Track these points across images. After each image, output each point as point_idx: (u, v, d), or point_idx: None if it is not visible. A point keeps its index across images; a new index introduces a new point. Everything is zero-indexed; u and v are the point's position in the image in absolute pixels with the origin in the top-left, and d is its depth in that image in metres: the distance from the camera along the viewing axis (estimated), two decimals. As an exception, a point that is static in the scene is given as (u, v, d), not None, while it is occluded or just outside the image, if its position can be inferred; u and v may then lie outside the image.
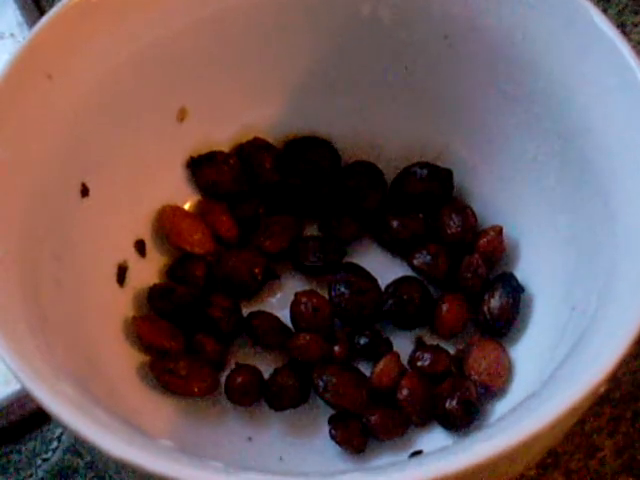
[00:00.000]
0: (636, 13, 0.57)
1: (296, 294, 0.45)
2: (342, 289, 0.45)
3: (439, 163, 0.48)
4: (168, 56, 0.45)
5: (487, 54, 0.44)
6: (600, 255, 0.39)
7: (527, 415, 0.33)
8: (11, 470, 0.46)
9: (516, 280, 0.45)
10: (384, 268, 0.47)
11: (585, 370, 0.34)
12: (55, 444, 0.47)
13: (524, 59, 0.43)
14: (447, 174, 0.48)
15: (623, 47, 0.39)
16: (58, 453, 0.46)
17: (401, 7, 0.45)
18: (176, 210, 0.47)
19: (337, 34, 0.46)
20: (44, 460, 0.46)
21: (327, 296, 0.46)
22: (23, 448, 0.47)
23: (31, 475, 0.46)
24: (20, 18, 0.56)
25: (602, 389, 0.35)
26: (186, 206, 0.48)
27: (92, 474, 0.46)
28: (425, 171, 0.47)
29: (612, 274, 0.37)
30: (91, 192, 0.43)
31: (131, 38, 0.44)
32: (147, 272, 0.47)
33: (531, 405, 0.35)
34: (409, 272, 0.47)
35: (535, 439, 0.32)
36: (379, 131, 0.49)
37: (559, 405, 0.32)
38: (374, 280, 0.46)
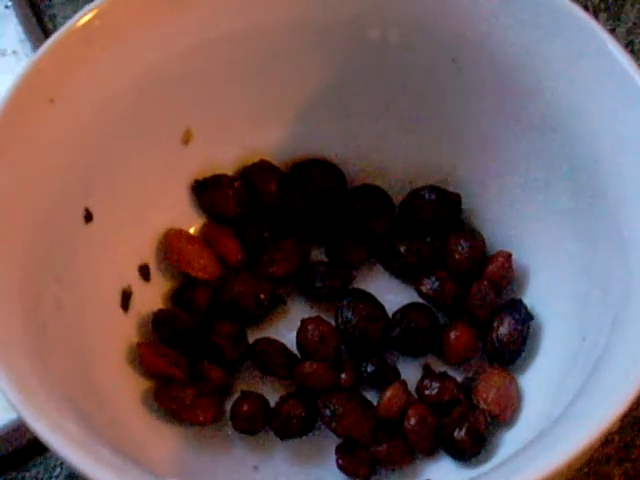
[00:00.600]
0: (645, 31, 0.56)
1: (302, 321, 0.45)
2: (349, 316, 0.45)
3: (448, 186, 0.47)
4: (173, 78, 0.44)
5: (496, 78, 0.44)
6: (612, 285, 0.38)
7: (539, 456, 0.33)
8: (14, 497, 0.46)
9: (525, 307, 0.44)
10: (391, 293, 0.47)
11: (598, 409, 0.33)
12: (58, 471, 0.46)
13: (533, 84, 0.42)
14: (455, 198, 0.47)
15: (636, 75, 0.39)
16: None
17: (409, 31, 0.44)
18: (181, 234, 0.47)
19: (345, 57, 0.46)
20: (48, 485, 0.46)
21: (334, 322, 0.45)
22: (26, 475, 0.46)
23: (34, 502, 0.45)
24: (22, 35, 0.55)
25: (613, 428, 0.34)
26: (191, 230, 0.48)
27: (95, 502, 0.45)
28: (433, 195, 0.47)
29: (625, 305, 0.37)
30: (95, 217, 0.43)
31: (134, 60, 0.43)
32: (152, 297, 0.46)
33: (543, 444, 0.34)
34: (417, 297, 0.46)
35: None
36: (386, 154, 0.48)
37: (572, 446, 0.32)
38: (381, 307, 0.45)
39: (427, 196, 0.47)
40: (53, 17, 0.57)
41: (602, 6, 0.57)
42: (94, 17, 0.42)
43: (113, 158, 0.44)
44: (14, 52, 0.55)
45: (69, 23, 0.41)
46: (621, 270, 0.38)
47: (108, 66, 0.42)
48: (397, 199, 0.48)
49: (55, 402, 0.35)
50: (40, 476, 0.46)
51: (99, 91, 0.42)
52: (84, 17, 0.41)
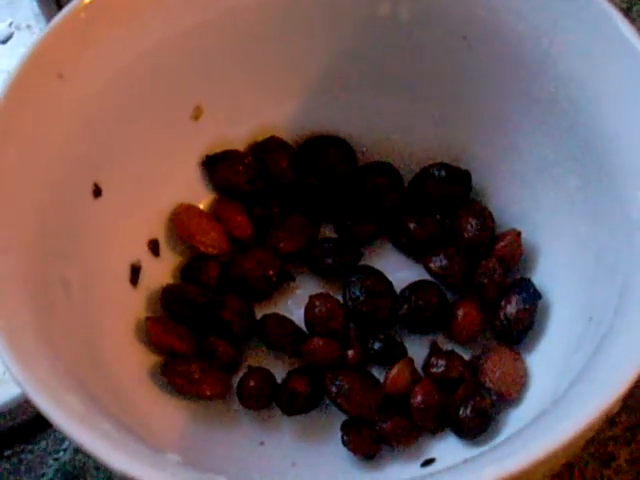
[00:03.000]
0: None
1: (310, 297, 0.45)
2: (357, 292, 0.45)
3: (458, 164, 0.47)
4: (182, 54, 0.44)
5: (507, 56, 0.43)
6: (618, 265, 0.38)
7: (540, 435, 0.33)
8: (23, 469, 0.46)
9: (533, 286, 0.44)
10: (400, 270, 0.47)
11: (598, 390, 0.33)
12: (66, 444, 0.46)
13: (545, 62, 0.42)
14: (465, 175, 0.47)
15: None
16: (69, 453, 0.46)
17: (420, 7, 0.44)
18: (190, 209, 0.47)
19: (355, 33, 0.46)
20: (55, 459, 0.46)
21: (342, 299, 0.45)
22: (35, 447, 0.46)
23: (43, 474, 0.46)
24: (37, 9, 0.55)
25: (617, 407, 0.34)
26: (201, 205, 0.48)
27: (103, 474, 0.45)
28: (443, 172, 0.47)
29: (629, 285, 0.37)
30: (104, 192, 0.43)
31: (144, 36, 0.43)
32: (161, 272, 0.46)
33: (545, 423, 0.34)
34: (425, 275, 0.46)
35: (549, 458, 0.32)
36: (397, 131, 0.48)
37: (574, 424, 0.32)
38: (389, 284, 0.45)
39: (437, 173, 0.47)
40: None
41: (619, -17, 0.57)
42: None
43: (122, 133, 0.44)
44: (28, 26, 0.55)
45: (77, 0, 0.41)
46: (628, 250, 0.38)
47: (117, 42, 0.42)
48: (408, 176, 0.48)
49: (58, 376, 0.35)
50: (49, 449, 0.46)
51: (108, 67, 0.42)
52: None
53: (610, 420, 0.45)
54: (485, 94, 0.45)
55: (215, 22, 0.45)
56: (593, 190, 0.41)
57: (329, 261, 0.46)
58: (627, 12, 0.55)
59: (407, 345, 0.45)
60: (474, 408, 0.42)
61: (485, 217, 0.46)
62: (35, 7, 0.55)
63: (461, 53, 0.45)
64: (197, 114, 0.46)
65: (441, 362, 0.43)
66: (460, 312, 0.45)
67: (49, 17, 0.54)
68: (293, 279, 0.47)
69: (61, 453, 0.46)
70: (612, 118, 0.40)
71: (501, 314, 0.44)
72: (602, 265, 0.40)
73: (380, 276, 0.45)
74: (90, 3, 0.41)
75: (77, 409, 0.34)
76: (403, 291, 0.45)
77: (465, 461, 0.35)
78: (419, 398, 0.42)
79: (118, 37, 0.42)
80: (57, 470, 0.46)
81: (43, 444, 0.46)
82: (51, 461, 0.46)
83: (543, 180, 0.44)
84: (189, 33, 0.44)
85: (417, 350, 0.45)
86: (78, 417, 0.33)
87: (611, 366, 0.34)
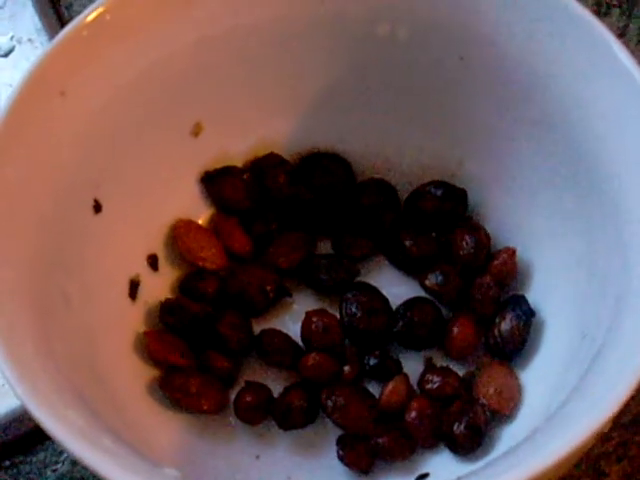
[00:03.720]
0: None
1: (307, 313, 0.45)
2: (353, 309, 0.45)
3: (454, 182, 0.48)
4: (182, 71, 0.45)
5: (502, 76, 0.44)
6: (611, 283, 0.39)
7: (532, 453, 0.33)
8: (21, 480, 0.47)
9: (527, 303, 0.44)
10: (396, 287, 0.47)
11: (591, 408, 0.34)
12: (65, 455, 0.47)
13: (541, 82, 0.43)
14: (461, 194, 0.47)
15: (637, 74, 0.39)
16: (67, 464, 0.47)
17: (418, 27, 0.45)
18: (189, 225, 0.47)
19: (354, 51, 0.46)
20: (54, 471, 0.47)
21: (338, 315, 0.46)
22: (33, 459, 0.47)
23: (41, 486, 0.46)
24: (38, 23, 0.56)
25: (609, 425, 0.35)
26: (200, 221, 0.48)
27: (101, 487, 0.46)
28: (440, 190, 0.47)
29: (622, 303, 0.37)
30: (104, 208, 0.43)
31: (145, 53, 0.44)
32: (159, 287, 0.47)
33: (537, 442, 0.35)
34: (421, 291, 0.47)
35: (541, 476, 0.32)
36: (394, 148, 0.49)
37: (565, 443, 0.32)
38: (385, 300, 0.46)
39: (433, 191, 0.47)
40: (69, 6, 0.57)
41: (615, 2, 0.57)
42: (105, 11, 0.42)
43: (123, 150, 0.44)
44: (30, 40, 0.55)
45: (80, 17, 0.42)
46: (619, 268, 0.38)
47: (118, 59, 0.43)
48: (404, 194, 0.49)
49: (58, 390, 0.36)
50: (47, 460, 0.47)
51: (109, 84, 0.43)
52: (95, 11, 0.42)
53: (602, 437, 0.46)
54: (481, 113, 0.46)
55: (215, 40, 0.45)
56: (587, 209, 0.42)
57: (325, 277, 0.47)
58: (622, 32, 0.56)
59: (402, 361, 0.45)
60: (468, 424, 0.42)
61: (480, 235, 0.46)
62: (37, 21, 0.56)
63: (458, 73, 0.45)
64: (197, 131, 0.47)
65: (436, 378, 0.44)
66: (455, 329, 0.45)
67: (50, 31, 0.55)
68: (290, 295, 0.47)
69: (59, 465, 0.47)
70: (606, 138, 0.40)
71: (495, 331, 0.44)
72: (595, 283, 0.41)
73: (376, 293, 0.46)
74: (92, 21, 0.42)
75: (77, 423, 0.34)
76: (399, 308, 0.46)
77: (458, 479, 0.35)
78: (414, 414, 0.43)
79: (119, 55, 0.43)
80: (55, 482, 0.47)
81: (41, 455, 0.47)
82: (49, 472, 0.47)
83: (538, 198, 0.45)
84: (190, 50, 0.45)
85: (412, 366, 0.45)
86: (78, 431, 0.34)
87: (603, 384, 0.35)
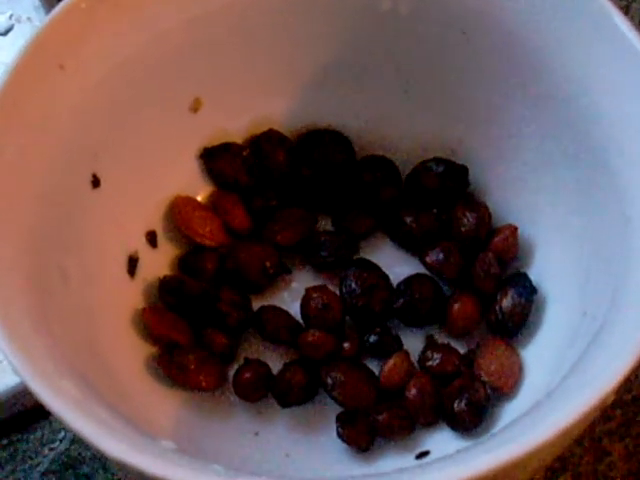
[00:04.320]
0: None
1: (307, 290, 0.45)
2: (353, 285, 0.45)
3: (455, 159, 0.47)
4: (182, 46, 0.45)
5: (505, 51, 0.44)
6: (613, 260, 0.38)
7: (532, 426, 0.33)
8: (18, 459, 0.46)
9: (529, 281, 0.44)
10: (397, 264, 0.47)
11: (591, 382, 0.33)
12: (62, 434, 0.47)
13: (543, 58, 0.42)
14: (463, 170, 0.47)
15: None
16: (65, 443, 0.46)
17: (419, 2, 0.44)
18: (188, 201, 0.47)
19: (354, 26, 0.46)
20: (51, 449, 0.46)
21: (338, 292, 0.45)
22: (31, 437, 0.47)
23: (38, 464, 0.46)
24: (37, 2, 0.55)
25: (610, 400, 0.34)
26: (199, 197, 0.48)
27: (98, 464, 0.46)
28: (441, 167, 0.47)
29: (623, 281, 0.37)
30: (102, 183, 0.43)
31: (144, 28, 0.43)
32: (158, 263, 0.46)
33: (537, 416, 0.34)
34: (422, 268, 0.46)
35: (541, 449, 0.32)
36: (394, 125, 0.48)
37: (565, 417, 0.32)
38: (386, 277, 0.45)
39: (434, 168, 0.47)
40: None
41: (618, -19, 0.57)
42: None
43: (121, 125, 0.44)
44: (29, 19, 0.55)
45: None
46: (622, 245, 0.38)
47: (117, 34, 0.43)
48: (405, 171, 0.48)
49: (55, 363, 0.35)
50: (45, 439, 0.47)
51: (108, 58, 0.42)
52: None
53: (604, 415, 0.45)
54: (483, 89, 0.45)
55: (215, 15, 0.45)
56: (589, 186, 0.41)
57: (326, 254, 0.46)
58: (626, 10, 0.55)
59: (403, 338, 0.45)
60: (469, 401, 0.42)
61: (482, 212, 0.46)
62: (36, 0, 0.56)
63: (460, 48, 0.45)
64: (196, 106, 0.46)
65: (436, 355, 0.44)
66: (456, 306, 0.45)
67: (49, 9, 0.54)
68: (290, 272, 0.47)
69: (57, 443, 0.47)
70: (609, 115, 0.40)
71: (497, 308, 0.44)
72: (597, 260, 0.40)
73: (376, 269, 0.46)
74: (90, -4, 0.42)
75: (73, 395, 0.34)
76: (399, 285, 0.45)
77: (458, 451, 0.35)
78: (414, 391, 0.43)
79: (118, 28, 0.42)
80: (53, 460, 0.46)
81: (39, 434, 0.47)
82: (47, 451, 0.46)
83: (540, 175, 0.45)
84: (189, 25, 0.44)
85: (413, 343, 0.45)
86: (74, 403, 0.33)
87: (604, 359, 0.34)
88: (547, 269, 0.45)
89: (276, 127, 0.48)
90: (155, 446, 0.35)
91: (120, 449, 0.32)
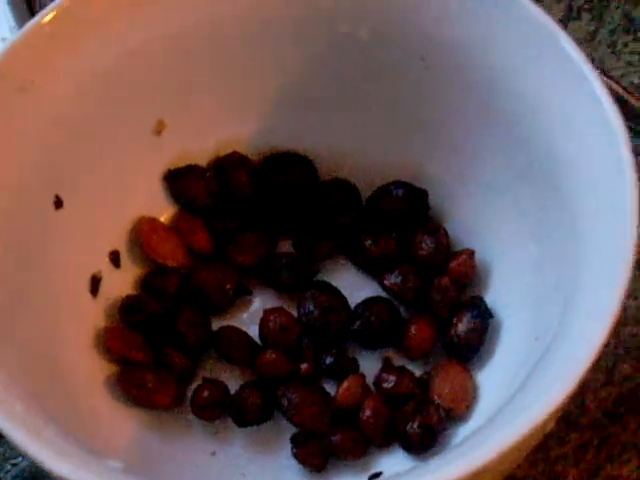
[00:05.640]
0: (627, 32, 0.56)
1: (264, 311, 0.45)
2: (311, 307, 0.45)
3: (416, 183, 0.48)
4: (145, 68, 0.45)
5: (463, 77, 0.44)
6: (563, 285, 0.39)
7: (471, 450, 0.34)
8: (-20, 475, 0.47)
9: (485, 305, 0.44)
10: (356, 287, 0.47)
11: (532, 404, 0.34)
12: (24, 450, 0.47)
13: (496, 81, 0.43)
14: (422, 194, 0.47)
15: (589, 73, 0.39)
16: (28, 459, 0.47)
17: (379, 27, 0.45)
18: (152, 222, 0.47)
19: (316, 51, 0.47)
20: (13, 465, 0.47)
21: (297, 313, 0.46)
22: (-6, 452, 0.47)
23: (0, 480, 0.46)
24: (12, 22, 0.56)
25: (550, 426, 0.35)
26: (163, 218, 0.48)
27: (60, 481, 0.46)
28: (401, 190, 0.47)
29: (569, 304, 0.37)
30: (65, 204, 0.44)
31: (107, 48, 0.44)
32: (121, 283, 0.47)
33: (478, 439, 0.35)
34: (381, 291, 0.47)
35: (482, 470, 0.32)
36: (356, 148, 0.49)
37: (505, 439, 0.33)
38: (344, 299, 0.46)
39: (394, 191, 0.48)
40: (44, 5, 0.57)
41: (586, 6, 0.57)
42: (66, 8, 0.42)
43: (84, 146, 0.44)
44: (3, 39, 0.56)
45: (42, 13, 0.42)
46: (571, 270, 0.38)
47: (80, 55, 0.43)
48: (366, 193, 0.49)
49: (7, 386, 0.36)
50: (7, 455, 0.47)
51: (71, 79, 0.43)
52: (57, 7, 0.42)
53: (561, 439, 0.46)
54: (442, 114, 0.46)
55: (178, 36, 0.45)
56: (544, 211, 0.42)
57: (285, 276, 0.47)
58: (593, 35, 0.56)
59: (360, 360, 0.45)
60: (421, 424, 0.42)
61: (440, 236, 0.46)
62: (11, 19, 0.56)
63: (419, 73, 0.45)
64: (160, 128, 0.47)
65: (392, 377, 0.44)
66: (413, 329, 0.45)
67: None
68: (250, 293, 0.48)
69: (19, 459, 0.47)
70: (563, 141, 0.40)
71: (452, 331, 0.44)
72: (549, 285, 0.41)
73: (335, 292, 0.46)
74: (54, 17, 0.42)
75: (20, 413, 0.35)
76: (357, 307, 0.46)
77: (404, 472, 0.36)
78: (368, 412, 0.43)
79: (82, 49, 0.43)
80: (15, 476, 0.47)
81: (1, 450, 0.47)
82: (9, 467, 0.47)
83: (498, 200, 0.45)
84: (152, 47, 0.45)
85: (370, 365, 0.45)
86: (23, 424, 0.34)
87: (546, 381, 0.35)
88: (503, 294, 0.45)
89: (241, 149, 0.49)
90: (100, 466, 0.35)
91: (64, 468, 0.33)
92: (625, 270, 0.35)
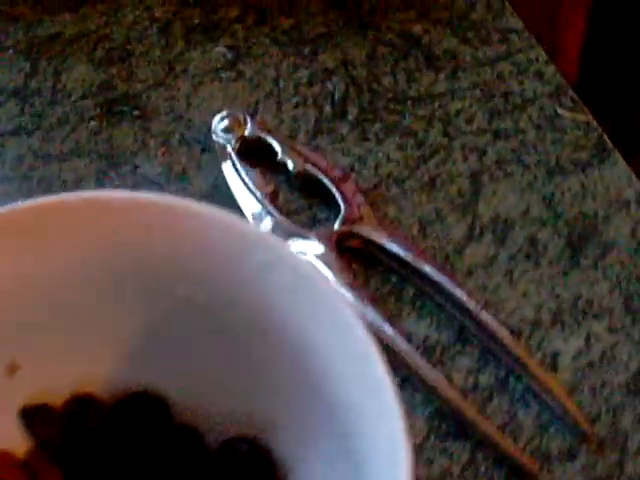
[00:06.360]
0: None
1: None
2: None
3: (264, 437, 0.47)
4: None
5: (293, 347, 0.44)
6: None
7: None
8: None
9: None
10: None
11: None
12: None
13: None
14: (266, 452, 0.47)
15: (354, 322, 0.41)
16: None
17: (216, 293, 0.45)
18: (4, 457, 0.48)
19: (159, 308, 0.47)
20: None
21: None
22: None
23: None
24: None
25: None
26: (20, 452, 0.49)
27: None
28: (245, 446, 0.47)
29: None
30: None
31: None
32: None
33: None
34: None
35: None
36: (212, 397, 0.49)
37: None
38: None
39: (239, 446, 0.47)
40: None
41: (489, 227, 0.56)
42: None
43: None
44: None
45: None
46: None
47: None
48: (215, 443, 0.49)
49: None
50: None
51: None
52: None
53: None
54: (275, 378, 0.46)
55: (31, 280, 0.46)
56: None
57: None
58: (493, 259, 0.54)
59: None
60: None
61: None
62: None
63: (255, 337, 0.45)
64: (12, 370, 0.47)
65: None
66: None
67: None
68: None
69: None
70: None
71: None
72: None
73: None
74: None
75: None
76: None
77: None
78: None
79: None
80: None
81: None
82: None
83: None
84: (6, 290, 0.45)
85: None
86: None
87: None
88: None
89: (96, 391, 0.49)
90: None
91: None
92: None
